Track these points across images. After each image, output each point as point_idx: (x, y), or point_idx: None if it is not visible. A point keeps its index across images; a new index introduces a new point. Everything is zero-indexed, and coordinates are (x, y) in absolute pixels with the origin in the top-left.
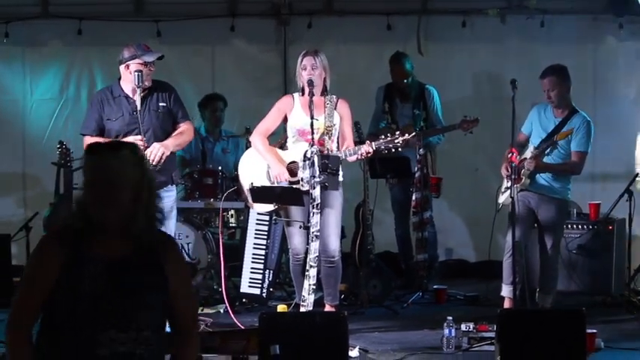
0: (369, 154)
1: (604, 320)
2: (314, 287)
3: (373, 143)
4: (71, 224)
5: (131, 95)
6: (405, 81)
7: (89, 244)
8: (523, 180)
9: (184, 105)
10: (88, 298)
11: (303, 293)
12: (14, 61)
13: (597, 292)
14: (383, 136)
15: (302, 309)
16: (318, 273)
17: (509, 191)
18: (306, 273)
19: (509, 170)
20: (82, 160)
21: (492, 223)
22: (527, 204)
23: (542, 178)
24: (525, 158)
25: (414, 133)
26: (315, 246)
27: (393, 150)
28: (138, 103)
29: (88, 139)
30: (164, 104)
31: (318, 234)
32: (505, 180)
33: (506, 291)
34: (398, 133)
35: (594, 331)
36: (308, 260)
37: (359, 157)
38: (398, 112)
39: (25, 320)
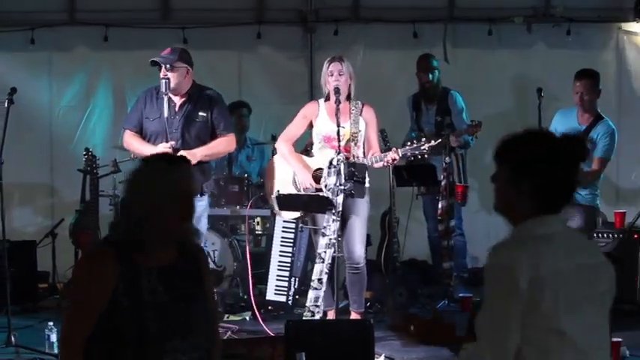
0: (395, 161)
1: (629, 329)
2: (322, 294)
3: (399, 150)
4: (130, 237)
5: (172, 98)
6: (430, 76)
7: (141, 257)
8: None
9: (228, 117)
10: (152, 309)
11: (309, 303)
12: (40, 68)
13: (622, 301)
14: (409, 143)
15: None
16: (344, 280)
17: None
18: (312, 284)
19: None
20: (154, 170)
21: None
22: None
23: None
24: None
25: (439, 140)
26: (330, 253)
27: (419, 157)
28: (165, 109)
29: (128, 134)
30: (204, 114)
31: (335, 242)
32: None
33: None
34: (424, 139)
35: (619, 339)
36: (321, 268)
37: (385, 164)
38: (423, 119)
39: (79, 337)
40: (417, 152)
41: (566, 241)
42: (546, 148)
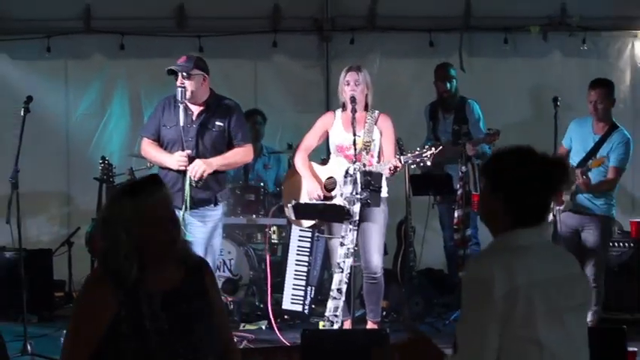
0: (398, 169)
1: None
2: (342, 304)
3: (401, 157)
4: (126, 266)
5: (190, 107)
6: (448, 85)
7: (141, 282)
8: (565, 201)
9: (245, 127)
10: (154, 336)
11: (328, 313)
12: (56, 77)
13: (638, 310)
14: (411, 151)
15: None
16: (360, 289)
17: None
18: (331, 293)
19: None
20: (135, 198)
21: None
22: (569, 225)
23: (584, 197)
24: None
25: (440, 147)
26: (348, 263)
27: (422, 164)
28: (181, 117)
29: (145, 142)
30: (221, 124)
31: (352, 251)
32: None
33: None
34: (426, 147)
35: (635, 349)
36: (340, 278)
37: (388, 171)
38: (440, 128)
39: None
40: (418, 160)
41: (543, 253)
42: (529, 166)
